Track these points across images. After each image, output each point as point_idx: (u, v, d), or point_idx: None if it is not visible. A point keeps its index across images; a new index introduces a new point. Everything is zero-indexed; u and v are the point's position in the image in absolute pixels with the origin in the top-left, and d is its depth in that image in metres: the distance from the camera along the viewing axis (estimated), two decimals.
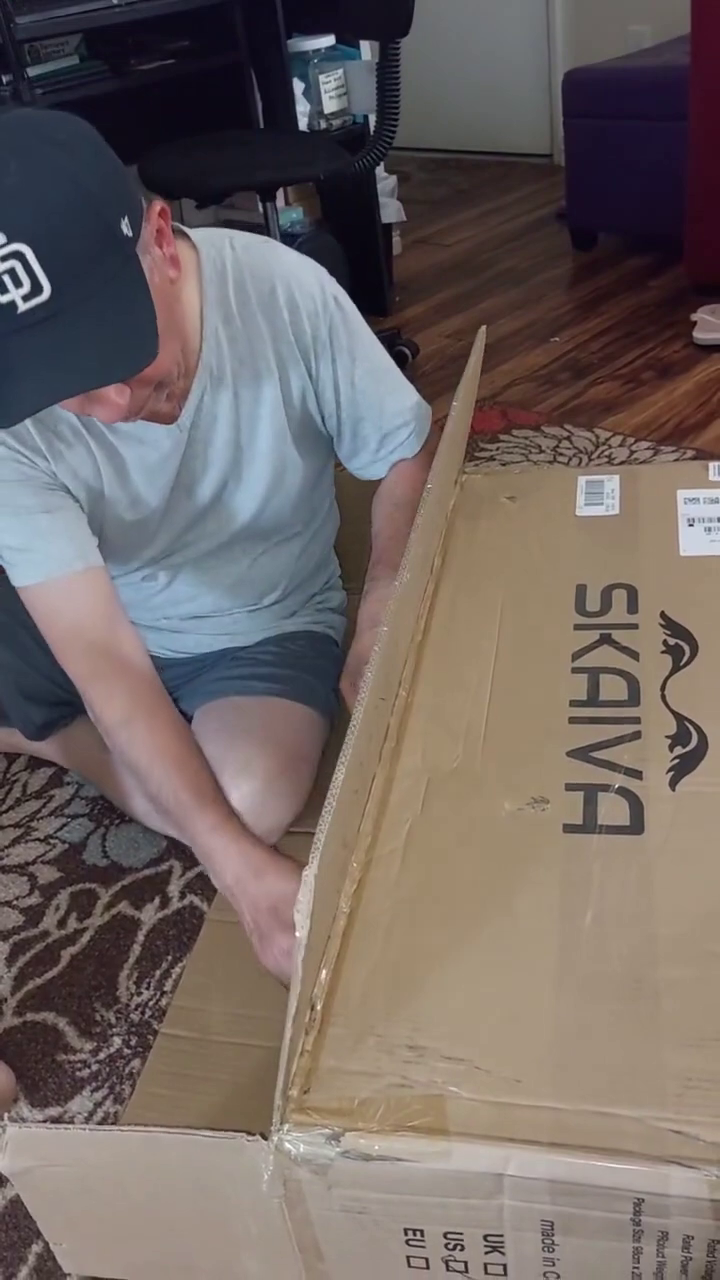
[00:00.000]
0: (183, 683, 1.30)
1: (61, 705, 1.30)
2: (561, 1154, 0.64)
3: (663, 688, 0.98)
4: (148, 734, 1.08)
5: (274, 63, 2.38)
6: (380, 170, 2.68)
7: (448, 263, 3.17)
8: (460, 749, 0.96)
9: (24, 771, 1.45)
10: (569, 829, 0.86)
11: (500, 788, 0.91)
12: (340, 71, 2.33)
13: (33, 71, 2.03)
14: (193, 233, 1.10)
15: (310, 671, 1.26)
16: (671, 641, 1.03)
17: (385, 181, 2.85)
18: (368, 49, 2.55)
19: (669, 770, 0.89)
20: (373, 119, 2.19)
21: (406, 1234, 0.70)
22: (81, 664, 1.10)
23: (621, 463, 2.00)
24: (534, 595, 1.13)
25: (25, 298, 0.82)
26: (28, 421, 1.02)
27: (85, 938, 1.18)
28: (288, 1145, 0.67)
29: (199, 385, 1.09)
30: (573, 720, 0.96)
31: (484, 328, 1.36)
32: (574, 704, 0.98)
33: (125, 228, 0.87)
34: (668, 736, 0.93)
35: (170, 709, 1.12)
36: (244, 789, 1.11)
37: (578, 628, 1.07)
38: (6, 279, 0.82)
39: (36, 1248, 0.92)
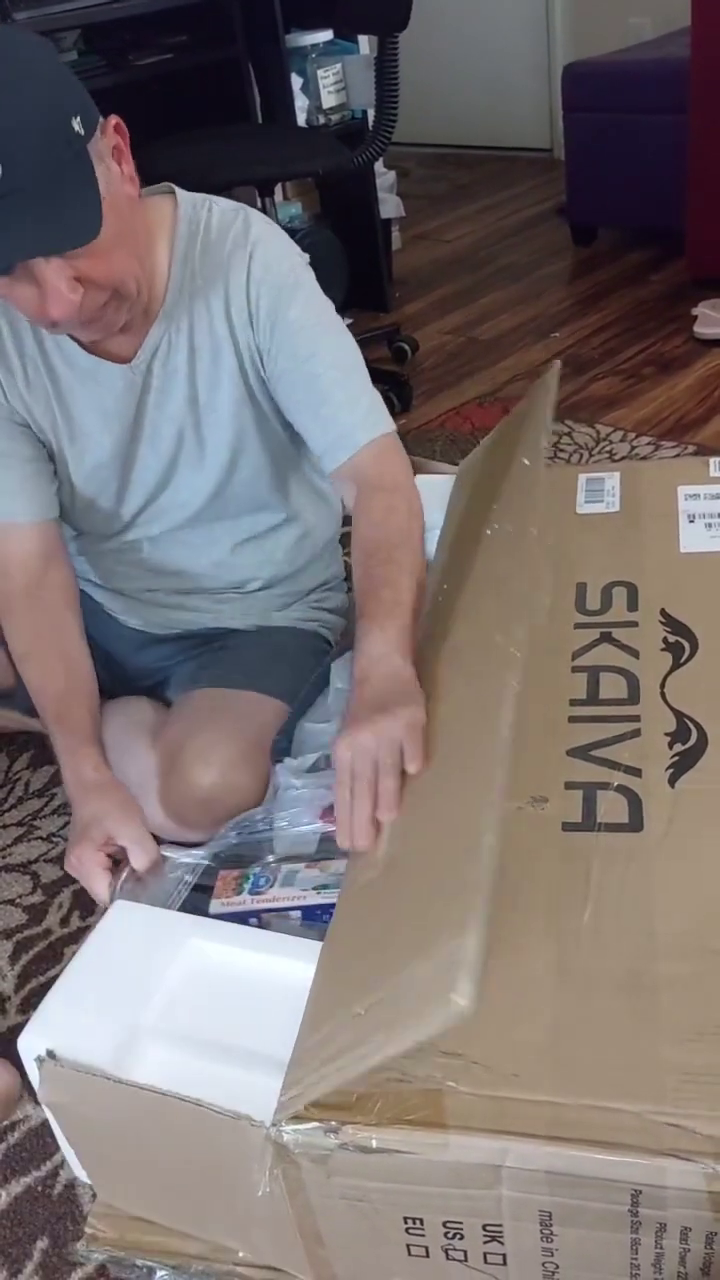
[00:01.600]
0: (174, 665, 1.32)
1: None
2: (559, 1146, 0.64)
3: (662, 685, 0.98)
4: (39, 669, 1.16)
5: (272, 58, 2.39)
6: (379, 165, 2.69)
7: (447, 258, 3.17)
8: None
9: (25, 770, 1.45)
10: (568, 827, 0.85)
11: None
12: (339, 66, 2.33)
13: None
14: (180, 192, 1.13)
15: (290, 665, 1.27)
16: (671, 639, 1.03)
17: (384, 177, 2.85)
18: (366, 44, 2.56)
19: (668, 768, 0.89)
20: (371, 114, 2.20)
21: (406, 1222, 0.71)
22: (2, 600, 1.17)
23: (622, 458, 2.00)
24: (535, 593, 1.11)
25: None
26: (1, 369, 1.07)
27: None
28: (286, 1136, 0.68)
29: (157, 329, 1.11)
30: (572, 719, 0.96)
31: (558, 363, 1.33)
32: (574, 703, 0.97)
33: (77, 125, 0.92)
34: (667, 734, 0.92)
35: (74, 650, 1.18)
36: (200, 777, 1.14)
37: (578, 626, 1.07)
38: None
39: (42, 1243, 0.93)
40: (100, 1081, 0.73)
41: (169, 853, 1.00)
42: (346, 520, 1.28)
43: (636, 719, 0.94)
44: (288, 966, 0.79)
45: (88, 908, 1.23)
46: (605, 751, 0.92)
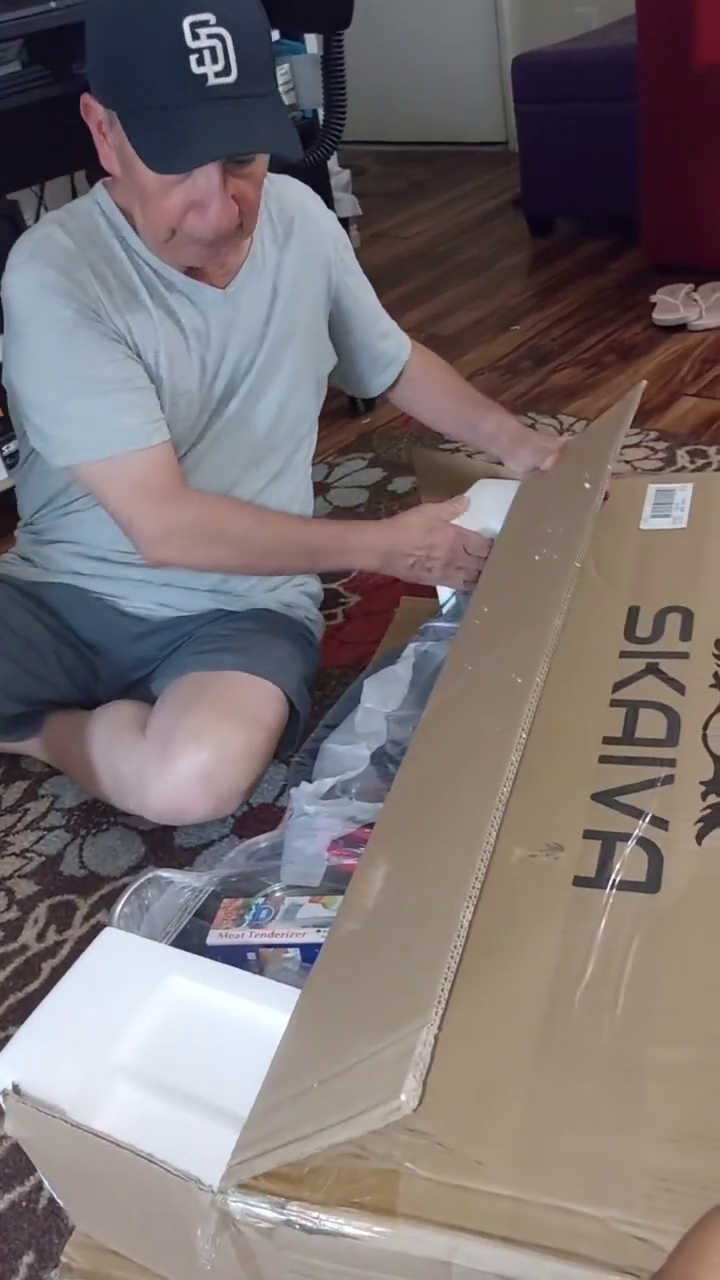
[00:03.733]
0: (166, 654, 1.33)
1: (35, 703, 1.31)
2: (512, 1250, 0.59)
3: (705, 726, 0.90)
4: (269, 531, 1.23)
5: None
6: (334, 164, 2.67)
7: (407, 255, 3.17)
8: None
9: None
10: (579, 882, 0.79)
11: (515, 830, 0.83)
12: (286, 67, 2.31)
13: None
14: None
15: (278, 648, 1.28)
16: None
17: (339, 176, 2.84)
18: (313, 43, 2.55)
19: (698, 821, 0.82)
20: (321, 113, 2.19)
21: None
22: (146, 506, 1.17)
23: None
24: (583, 616, 1.03)
25: (217, 74, 0.96)
26: (99, 290, 1.12)
27: (65, 950, 1.18)
28: (232, 1205, 0.64)
29: (246, 265, 1.21)
30: (604, 759, 0.89)
31: (644, 383, 1.32)
32: (607, 741, 0.90)
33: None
34: (702, 783, 0.85)
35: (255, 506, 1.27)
36: (196, 755, 1.14)
37: (624, 655, 0.99)
38: (206, 54, 0.96)
39: (28, 1258, 0.92)
40: (59, 1123, 0.71)
41: (172, 875, 0.99)
42: None
43: (672, 763, 0.87)
44: (267, 1015, 0.76)
45: (64, 922, 1.22)
46: (632, 798, 0.85)
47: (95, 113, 1.05)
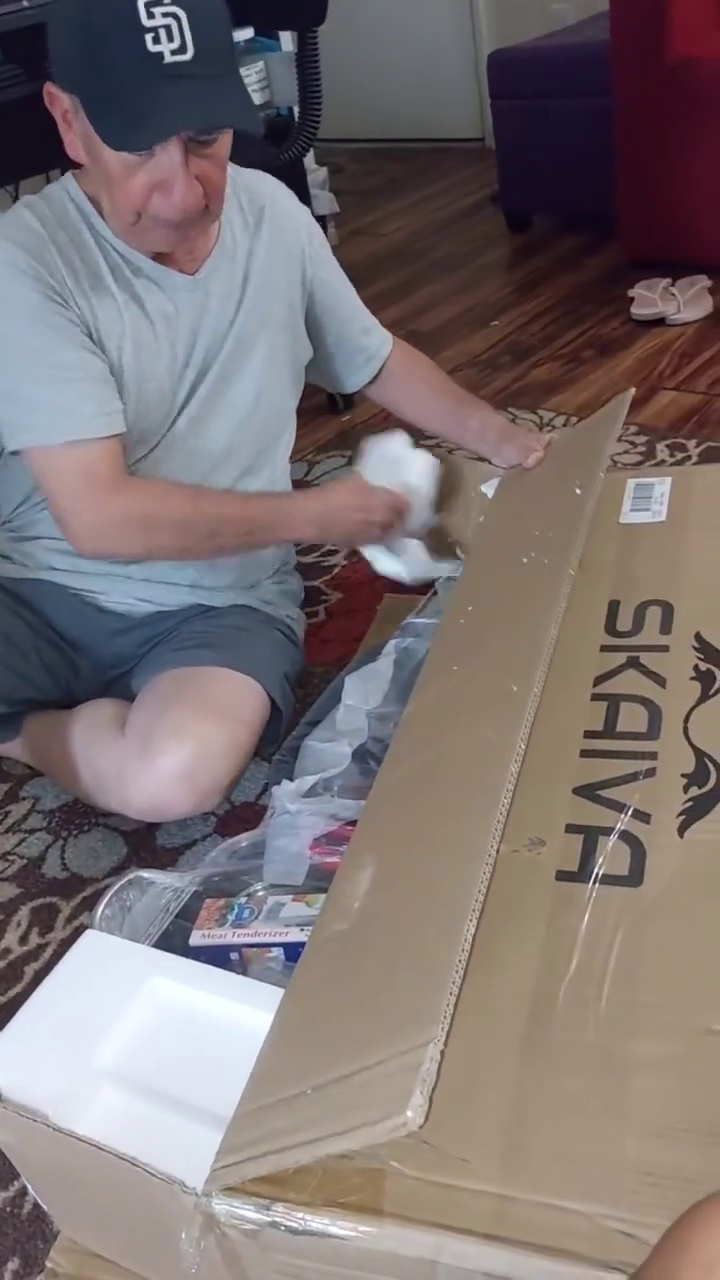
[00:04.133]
0: (145, 651, 1.32)
1: (16, 703, 1.30)
2: (497, 1247, 0.59)
3: (686, 719, 0.90)
4: (210, 504, 1.22)
5: None
6: (310, 162, 2.67)
7: (384, 252, 3.18)
8: None
9: None
10: (562, 876, 0.78)
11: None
12: (260, 64, 2.30)
13: None
14: None
15: (258, 643, 1.28)
16: (703, 667, 0.94)
17: (316, 174, 2.84)
18: (288, 40, 2.54)
19: (679, 814, 0.81)
20: (297, 111, 2.18)
21: None
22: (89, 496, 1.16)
23: None
24: (565, 613, 1.01)
25: (173, 52, 0.98)
26: (66, 275, 1.12)
27: (48, 952, 1.17)
28: (216, 1207, 0.64)
29: (216, 252, 1.21)
30: (585, 753, 0.89)
31: (631, 390, 1.35)
32: (588, 735, 0.90)
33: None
34: (684, 775, 0.84)
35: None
36: (177, 751, 1.14)
37: (604, 649, 0.99)
38: (161, 32, 0.97)
39: (13, 1264, 0.91)
40: (41, 1128, 0.70)
41: (154, 875, 0.99)
42: None
43: (653, 756, 0.87)
44: (250, 1015, 0.75)
45: (46, 925, 1.21)
46: (614, 791, 0.84)
47: (60, 102, 1.06)
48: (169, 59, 0.98)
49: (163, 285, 1.18)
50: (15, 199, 2.26)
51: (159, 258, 1.17)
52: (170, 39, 0.97)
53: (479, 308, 2.69)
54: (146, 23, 0.96)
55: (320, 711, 1.13)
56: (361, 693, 1.12)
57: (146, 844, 1.29)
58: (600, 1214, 0.59)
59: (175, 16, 0.97)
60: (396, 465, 1.31)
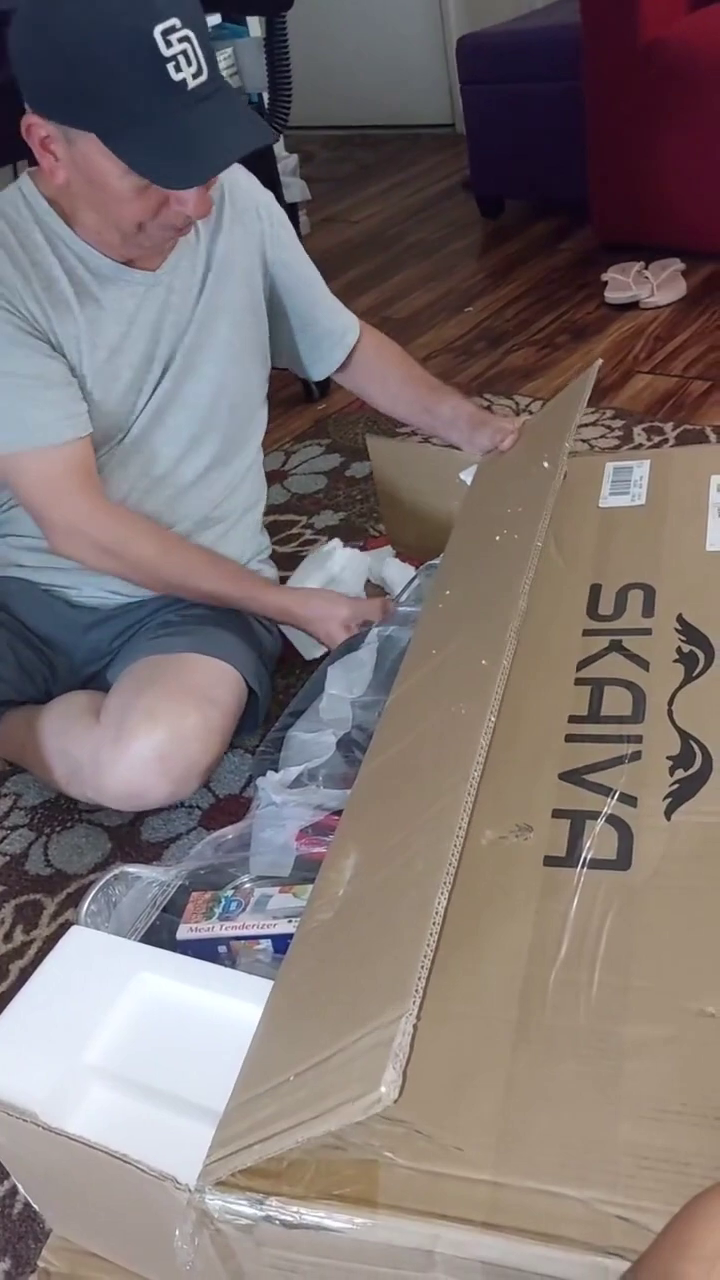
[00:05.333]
0: (120, 645, 1.32)
1: None
2: (494, 1235, 0.59)
3: (670, 701, 0.89)
4: (180, 561, 1.26)
5: None
6: (281, 149, 2.65)
7: (357, 239, 3.16)
8: None
9: None
10: (550, 861, 0.78)
11: (484, 812, 0.81)
12: (229, 51, 2.28)
13: None
14: None
15: (230, 631, 1.28)
16: (686, 649, 0.94)
17: (286, 160, 2.82)
18: (256, 25, 2.51)
19: (666, 796, 0.81)
20: (266, 97, 2.16)
21: None
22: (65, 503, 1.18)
23: None
24: (545, 597, 1.03)
25: (194, 77, 0.98)
26: (16, 279, 1.11)
27: (33, 950, 1.17)
28: (210, 1203, 0.63)
29: (177, 250, 1.21)
30: (570, 738, 0.88)
31: (599, 361, 1.35)
32: (573, 720, 0.90)
33: None
34: (669, 757, 0.84)
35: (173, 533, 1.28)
36: (150, 735, 1.14)
37: (587, 633, 0.98)
38: (180, 59, 0.97)
39: (4, 1264, 0.91)
40: (31, 1127, 0.69)
41: (139, 870, 0.98)
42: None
43: (639, 739, 0.86)
44: (239, 1008, 0.75)
45: (31, 922, 1.20)
46: (600, 776, 0.84)
47: (39, 130, 1.03)
48: (192, 85, 0.98)
49: (122, 284, 1.17)
50: None
51: (123, 258, 1.16)
52: (189, 63, 0.97)
53: (452, 294, 2.68)
54: (166, 52, 0.95)
55: (304, 701, 1.13)
56: (344, 681, 1.11)
57: (130, 839, 1.28)
58: (596, 1199, 0.59)
59: (189, 40, 0.96)
60: (322, 563, 1.41)
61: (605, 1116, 0.63)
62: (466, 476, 1.33)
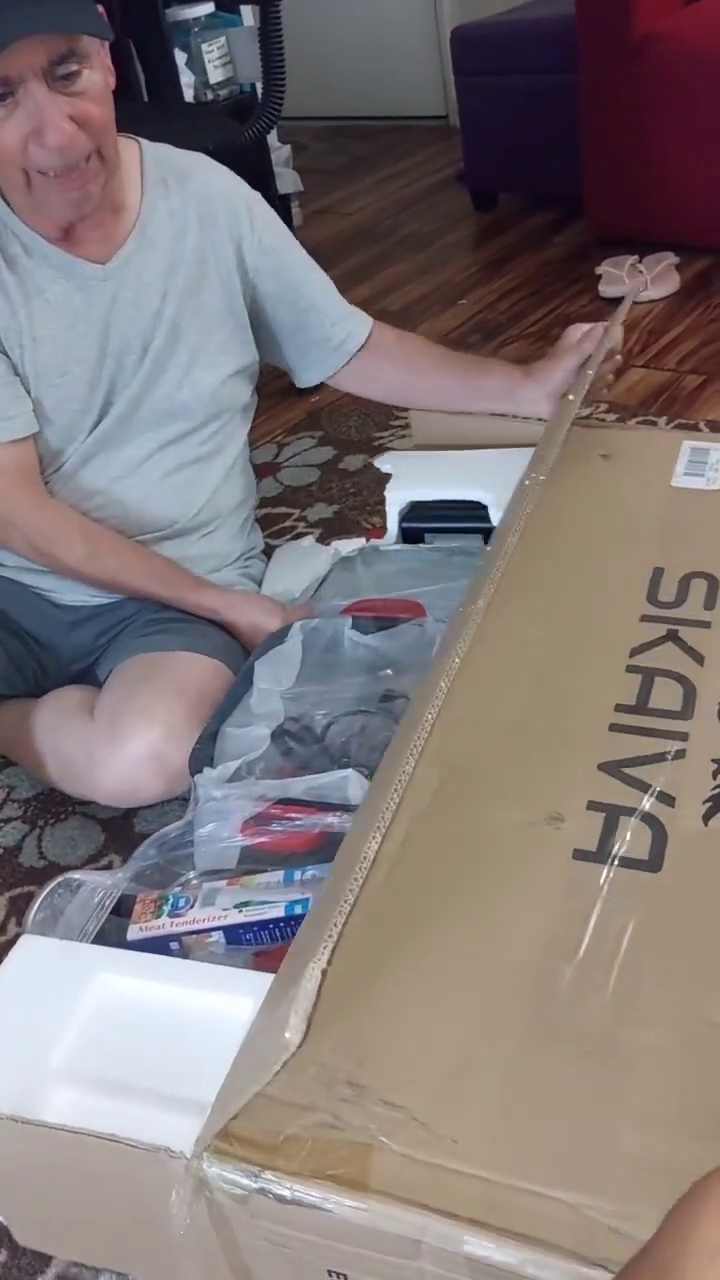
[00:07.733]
0: (107, 641, 1.31)
1: None
2: (479, 1233, 0.58)
3: None
4: (113, 557, 1.24)
5: (153, 34, 2.31)
6: (274, 140, 2.63)
7: (350, 231, 3.14)
8: (485, 748, 0.86)
9: None
10: (579, 855, 0.76)
11: (517, 798, 0.81)
12: (223, 40, 2.27)
13: None
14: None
15: (221, 629, 1.27)
16: None
17: (279, 151, 2.81)
18: (249, 14, 2.50)
19: (706, 800, 0.78)
20: (260, 87, 2.16)
21: (331, 1275, 0.65)
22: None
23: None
24: (605, 574, 1.00)
25: None
26: None
27: None
28: (205, 1171, 0.63)
29: (133, 240, 1.18)
30: (614, 727, 0.85)
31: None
32: (619, 709, 0.87)
33: None
34: (714, 760, 0.81)
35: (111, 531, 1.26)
36: (145, 733, 1.13)
37: (644, 619, 0.95)
38: None
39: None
40: (9, 1123, 0.68)
41: (83, 875, 0.97)
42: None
43: (684, 737, 0.83)
44: (200, 998, 0.74)
45: (24, 915, 1.20)
46: (640, 771, 0.82)
47: None
48: None
49: (69, 275, 1.15)
50: None
51: (69, 245, 1.14)
52: None
53: (446, 287, 2.67)
54: None
55: (231, 698, 1.13)
56: (272, 676, 1.11)
57: (124, 831, 1.27)
58: (586, 1205, 0.58)
59: None
60: (303, 560, 1.40)
61: (605, 1121, 0.62)
62: (382, 465, 1.33)
